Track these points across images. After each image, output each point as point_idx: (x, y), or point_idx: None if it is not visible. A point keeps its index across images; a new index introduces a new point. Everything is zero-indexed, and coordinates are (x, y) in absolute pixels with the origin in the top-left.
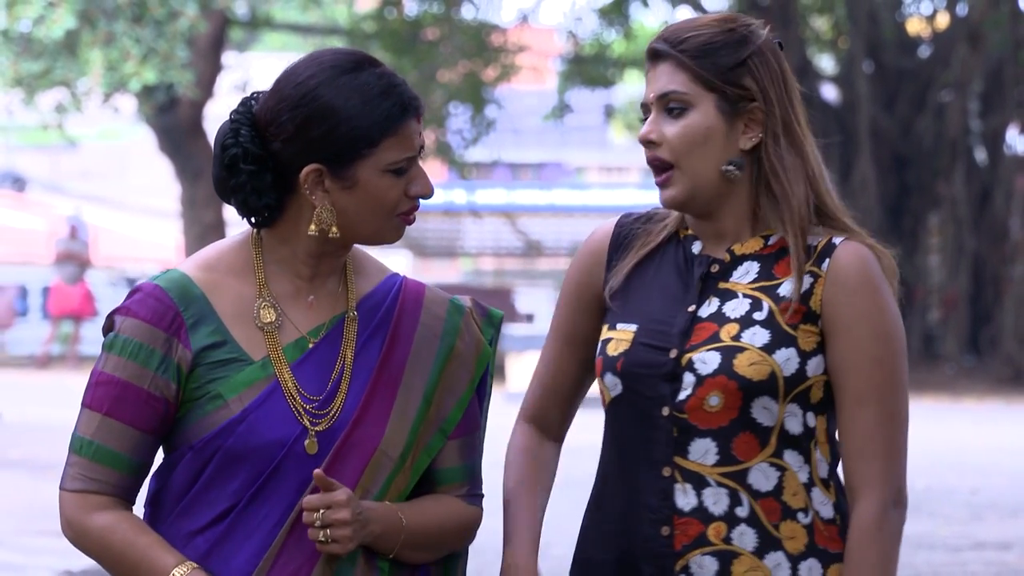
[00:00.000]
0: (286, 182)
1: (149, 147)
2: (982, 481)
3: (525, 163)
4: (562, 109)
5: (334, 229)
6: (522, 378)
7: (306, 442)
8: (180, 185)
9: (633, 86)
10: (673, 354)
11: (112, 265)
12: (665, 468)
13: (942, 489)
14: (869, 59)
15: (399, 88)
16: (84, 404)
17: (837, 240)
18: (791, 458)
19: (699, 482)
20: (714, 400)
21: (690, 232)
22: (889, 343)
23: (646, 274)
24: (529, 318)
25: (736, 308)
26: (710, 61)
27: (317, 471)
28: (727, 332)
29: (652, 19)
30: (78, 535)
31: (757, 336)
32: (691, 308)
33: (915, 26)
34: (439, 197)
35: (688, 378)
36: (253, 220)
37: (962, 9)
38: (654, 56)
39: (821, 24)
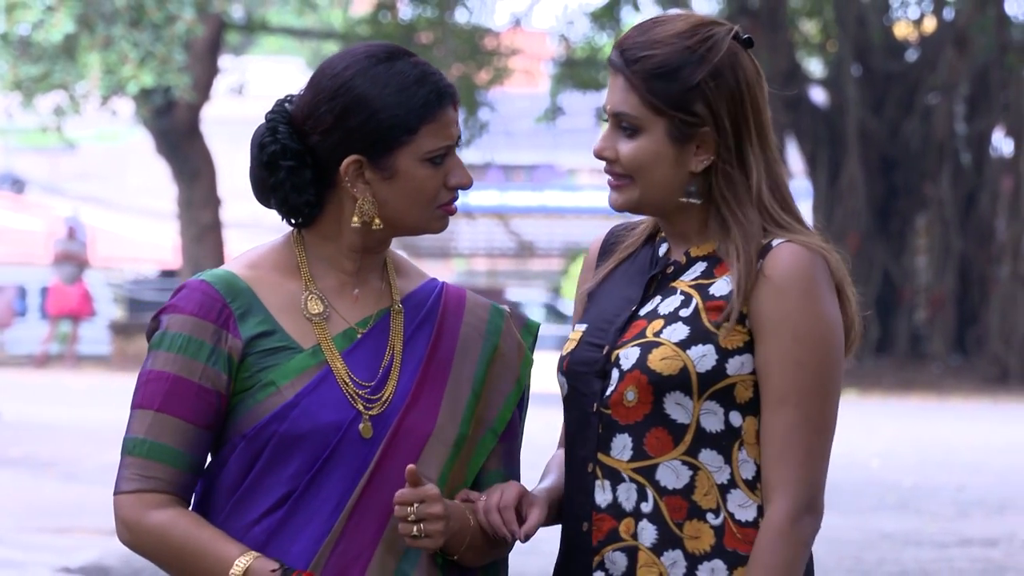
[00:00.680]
0: (325, 178)
1: (146, 149)
2: (969, 479)
3: (518, 165)
4: (554, 112)
5: (377, 220)
6: None
7: (360, 426)
8: (177, 187)
9: None
10: (605, 351)
11: (110, 266)
12: (589, 464)
13: (929, 486)
14: (857, 62)
15: (435, 76)
16: (134, 405)
17: (776, 242)
18: (708, 457)
19: (615, 478)
20: (630, 395)
21: (662, 233)
22: (815, 346)
23: (616, 276)
24: None
25: (668, 305)
26: (661, 85)
27: (410, 466)
28: (652, 328)
29: None
30: (135, 535)
31: (676, 332)
32: (635, 307)
33: (902, 30)
34: None
35: (614, 374)
36: (294, 220)
37: (949, 13)
38: (612, 66)
39: (810, 28)
